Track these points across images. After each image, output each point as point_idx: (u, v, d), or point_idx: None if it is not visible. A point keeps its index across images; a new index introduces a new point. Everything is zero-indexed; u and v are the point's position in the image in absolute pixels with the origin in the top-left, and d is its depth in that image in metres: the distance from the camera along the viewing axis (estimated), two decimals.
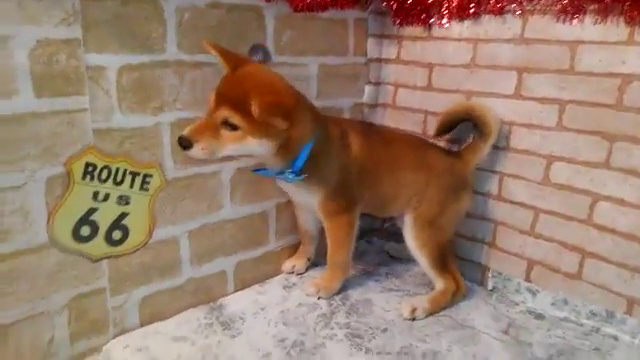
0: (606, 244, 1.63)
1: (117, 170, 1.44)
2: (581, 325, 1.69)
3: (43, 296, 1.37)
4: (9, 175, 1.24)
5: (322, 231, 1.89)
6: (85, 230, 1.41)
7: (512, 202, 1.85)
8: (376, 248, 2.24)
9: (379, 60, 2.08)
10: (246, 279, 1.87)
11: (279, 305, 1.75)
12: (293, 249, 2.02)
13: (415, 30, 1.98)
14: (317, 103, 1.90)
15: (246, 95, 1.36)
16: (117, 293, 1.52)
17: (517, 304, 1.83)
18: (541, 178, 1.75)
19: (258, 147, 1.46)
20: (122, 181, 1.46)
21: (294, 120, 1.45)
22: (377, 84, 2.11)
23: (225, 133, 1.41)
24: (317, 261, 2.00)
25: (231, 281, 1.83)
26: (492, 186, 1.89)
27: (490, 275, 1.95)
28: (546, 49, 1.66)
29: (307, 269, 1.99)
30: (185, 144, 1.39)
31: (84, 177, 1.38)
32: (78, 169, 1.36)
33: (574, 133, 1.65)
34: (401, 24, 2.00)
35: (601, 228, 1.63)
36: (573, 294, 1.72)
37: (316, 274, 1.93)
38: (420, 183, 1.76)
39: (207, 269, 1.74)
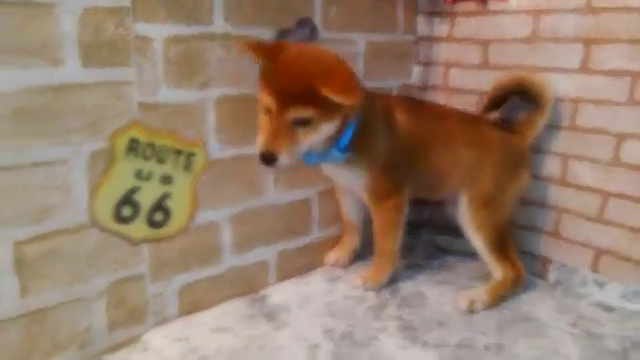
0: None
1: (161, 147, 1.47)
2: None
3: (82, 280, 1.40)
4: (55, 148, 1.28)
5: (367, 221, 1.90)
6: (127, 210, 1.44)
7: (577, 186, 1.82)
8: (425, 242, 2.22)
9: (429, 39, 2.09)
10: (288, 270, 1.88)
11: (324, 297, 1.75)
12: (336, 240, 2.02)
13: (469, 5, 1.98)
14: (365, 81, 1.93)
15: (310, 84, 1.34)
16: (157, 280, 1.55)
17: (583, 297, 1.80)
18: (610, 158, 1.72)
19: (331, 130, 1.45)
20: (165, 159, 1.49)
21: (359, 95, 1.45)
22: (427, 64, 2.11)
23: (299, 131, 1.40)
24: (362, 253, 2.00)
25: (273, 272, 1.84)
26: (554, 169, 1.87)
27: (552, 267, 1.92)
28: (615, 18, 1.64)
29: (351, 262, 2.00)
30: (270, 159, 1.38)
31: (128, 153, 1.41)
32: (122, 144, 1.40)
33: None
34: (454, 0, 2.00)
35: None
36: None
37: (361, 267, 1.93)
38: (475, 160, 1.75)
39: (248, 258, 1.76)
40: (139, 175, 1.45)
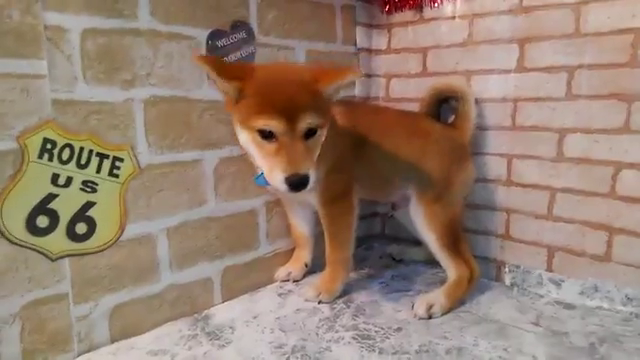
0: (636, 217, 1.45)
1: (81, 150, 1.23)
2: (618, 312, 1.48)
3: None
4: None
5: (318, 234, 1.69)
6: (42, 220, 1.18)
7: (524, 185, 1.67)
8: (377, 253, 2.01)
9: (369, 51, 1.96)
10: (235, 288, 1.62)
11: (274, 312, 1.50)
12: (287, 255, 1.79)
13: (405, 15, 1.87)
14: None
15: (308, 89, 1.21)
16: (82, 300, 1.27)
17: (541, 297, 1.61)
18: (554, 154, 1.59)
19: (323, 138, 1.29)
20: (87, 164, 1.25)
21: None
22: (368, 76, 1.97)
23: (311, 143, 1.24)
24: (314, 268, 1.77)
25: (218, 290, 1.58)
26: (500, 171, 1.72)
27: (507, 270, 1.74)
28: (548, 15, 1.55)
29: (304, 276, 1.76)
30: (302, 181, 1.18)
31: (41, 155, 1.17)
32: (34, 145, 1.15)
33: (586, 100, 1.51)
34: (390, 12, 1.89)
35: (628, 199, 1.46)
36: (603, 279, 1.52)
37: (314, 280, 1.69)
38: (417, 152, 1.59)
39: (190, 275, 1.50)
40: (56, 181, 1.20)
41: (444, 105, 1.77)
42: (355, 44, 1.91)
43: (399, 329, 1.39)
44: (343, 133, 1.51)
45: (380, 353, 1.27)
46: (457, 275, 1.53)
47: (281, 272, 1.73)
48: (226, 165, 1.55)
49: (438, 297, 1.49)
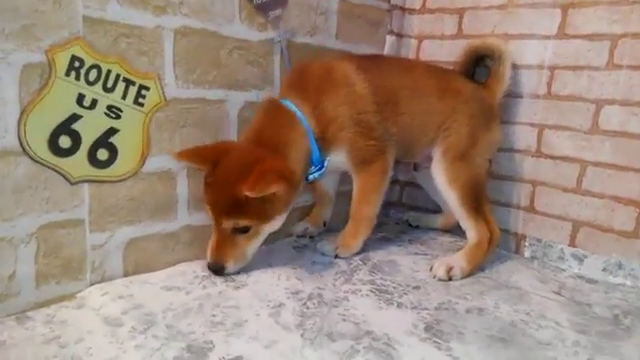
0: None
1: (108, 73, 1.20)
2: None
3: (6, 217, 1.09)
4: None
5: (340, 193, 1.66)
6: (65, 141, 1.16)
7: (554, 157, 1.64)
8: (394, 219, 1.99)
9: (402, 9, 1.91)
10: None
11: (290, 263, 1.48)
12: (305, 211, 1.77)
13: None
14: (336, 44, 1.73)
15: (235, 193, 1.25)
16: (98, 229, 1.25)
17: (562, 270, 1.59)
18: (589, 126, 1.56)
19: (278, 224, 1.38)
20: (113, 88, 1.22)
21: (288, 167, 1.31)
22: (399, 36, 1.93)
23: (241, 238, 1.33)
24: (331, 228, 1.75)
25: None
26: (529, 141, 1.69)
27: (527, 243, 1.71)
28: None
29: (319, 234, 1.74)
30: (218, 270, 1.34)
31: (68, 73, 1.14)
32: (62, 61, 1.12)
33: (628, 70, 1.47)
34: None
35: None
36: (629, 256, 1.50)
37: (332, 237, 1.67)
38: (447, 110, 1.56)
39: (206, 218, 1.47)
40: (81, 101, 1.17)
41: (479, 67, 1.73)
42: (389, 1, 1.86)
43: (417, 287, 1.37)
44: (367, 95, 1.47)
45: (398, 307, 1.25)
46: (477, 236, 1.50)
47: (299, 227, 1.71)
48: (251, 109, 1.51)
49: (458, 260, 1.46)
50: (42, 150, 1.13)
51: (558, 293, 1.40)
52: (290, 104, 1.41)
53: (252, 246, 1.36)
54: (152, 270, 1.37)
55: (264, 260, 1.49)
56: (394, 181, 2.09)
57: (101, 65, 1.18)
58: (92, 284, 1.26)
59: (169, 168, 1.36)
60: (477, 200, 1.53)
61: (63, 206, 1.18)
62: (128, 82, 1.24)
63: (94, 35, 1.16)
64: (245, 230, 1.31)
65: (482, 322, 1.20)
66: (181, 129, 1.37)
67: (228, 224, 1.29)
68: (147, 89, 1.28)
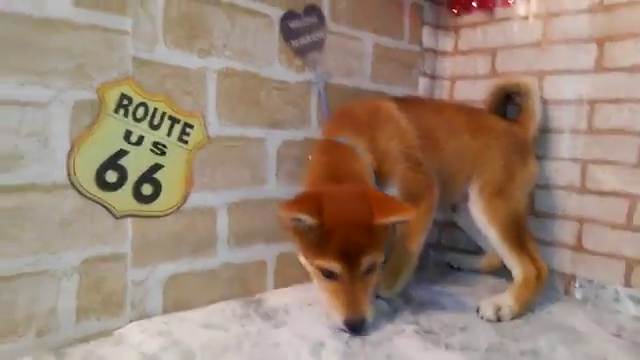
0: None
1: (155, 111, 1.23)
2: None
3: (52, 249, 1.10)
4: (33, 88, 1.04)
5: None
6: (112, 176, 1.17)
7: (600, 193, 1.56)
8: (434, 261, 1.91)
9: (434, 52, 1.93)
10: (287, 276, 1.55)
11: None
12: None
13: (475, 16, 1.84)
14: (371, 85, 1.74)
15: (367, 224, 1.17)
16: (140, 264, 1.24)
17: (619, 313, 1.47)
18: (635, 159, 1.49)
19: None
20: (159, 125, 1.24)
21: None
22: (433, 77, 1.94)
23: (370, 278, 1.23)
24: None
25: (271, 275, 1.52)
26: (573, 177, 1.62)
27: (578, 284, 1.60)
28: (631, 12, 1.48)
29: None
30: (361, 326, 1.19)
31: (117, 110, 1.17)
32: (112, 99, 1.16)
33: None
34: (459, 13, 1.87)
35: None
36: None
37: None
38: (481, 146, 1.54)
39: (245, 255, 1.45)
40: (128, 137, 1.19)
41: (510, 105, 1.71)
42: (421, 44, 1.89)
43: (464, 328, 1.28)
44: (411, 132, 1.46)
45: (447, 348, 1.16)
46: (524, 274, 1.42)
47: None
48: (289, 147, 1.52)
49: (506, 299, 1.37)
50: (89, 184, 1.14)
51: (618, 335, 1.28)
52: (347, 141, 1.38)
53: (371, 287, 1.25)
54: (191, 307, 1.33)
55: (303, 298, 1.44)
56: (433, 222, 2.03)
57: (148, 103, 1.22)
58: (131, 321, 1.23)
59: (210, 205, 1.36)
60: (519, 236, 1.46)
61: (107, 240, 1.18)
62: (173, 120, 1.26)
63: (142, 75, 1.20)
64: (373, 268, 1.22)
65: None
66: (222, 166, 1.37)
67: (365, 262, 1.18)
68: (191, 127, 1.30)
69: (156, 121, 1.24)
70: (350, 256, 1.16)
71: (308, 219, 1.14)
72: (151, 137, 1.23)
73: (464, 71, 1.90)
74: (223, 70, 1.34)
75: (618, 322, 1.38)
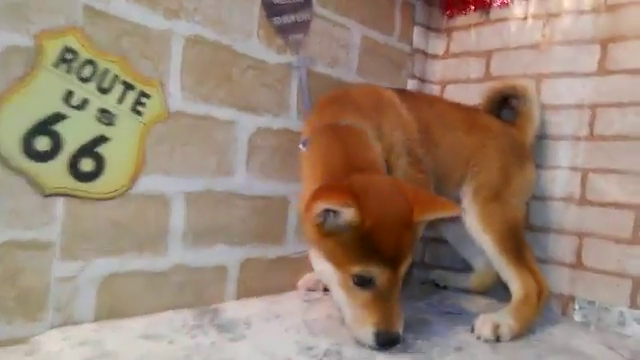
0: None
1: (106, 72, 1.03)
2: None
3: None
4: None
5: None
6: (42, 142, 0.95)
7: (602, 204, 1.42)
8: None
9: (424, 54, 1.80)
10: (252, 286, 1.33)
11: (301, 315, 1.20)
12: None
13: (469, 17, 1.73)
14: (357, 79, 1.59)
15: (407, 222, 1.01)
16: (69, 257, 1.00)
17: (627, 337, 1.30)
18: None
19: None
20: (110, 89, 1.04)
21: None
22: (422, 80, 1.80)
23: (400, 284, 1.06)
24: None
25: (233, 283, 1.29)
26: (572, 187, 1.48)
27: (577, 306, 1.44)
28: (636, 13, 1.39)
29: None
30: (395, 341, 1.00)
31: (58, 64, 0.96)
32: (53, 50, 0.95)
33: None
34: (452, 14, 1.76)
35: None
36: None
37: None
38: (476, 145, 1.39)
39: (203, 257, 1.23)
40: (69, 99, 0.98)
41: (505, 110, 1.58)
42: (411, 44, 1.76)
43: (459, 348, 1.09)
44: (410, 124, 1.30)
45: None
46: (524, 289, 1.24)
47: (308, 279, 1.44)
48: (263, 136, 1.33)
49: (505, 317, 1.19)
50: (13, 149, 0.92)
51: None
52: (356, 125, 1.17)
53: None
54: (131, 315, 1.09)
55: (269, 310, 1.22)
56: None
57: (97, 62, 1.02)
58: (53, 327, 0.98)
59: (164, 191, 1.14)
60: (518, 246, 1.30)
61: (30, 222, 0.95)
62: (127, 86, 1.06)
63: (94, 28, 1.01)
64: (406, 273, 1.05)
65: None
66: (182, 147, 1.17)
67: (405, 267, 1.02)
68: (148, 96, 1.10)
69: (106, 84, 1.03)
70: (393, 260, 0.99)
71: (349, 213, 0.94)
72: (97, 102, 1.02)
73: (455, 75, 1.77)
74: (191, 37, 1.16)
75: (629, 346, 1.21)
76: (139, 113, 1.09)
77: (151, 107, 1.10)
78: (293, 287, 1.43)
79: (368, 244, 0.96)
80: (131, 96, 1.07)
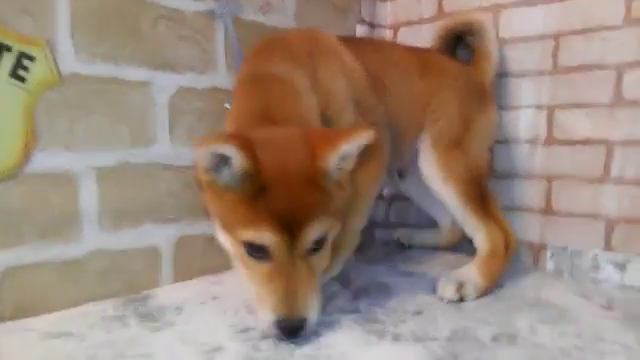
0: None
1: None
2: None
3: None
4: None
5: None
6: None
7: (570, 142, 1.30)
8: (381, 241, 1.61)
9: None
10: (191, 267, 1.19)
11: (241, 294, 1.08)
12: None
13: None
14: (296, 26, 1.42)
15: (310, 174, 0.82)
16: None
17: (603, 282, 1.21)
18: (610, 98, 1.24)
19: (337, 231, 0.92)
20: None
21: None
22: (371, 25, 1.64)
23: (317, 259, 0.86)
24: None
25: (168, 265, 1.15)
26: (537, 127, 1.36)
27: (549, 254, 1.34)
28: None
29: None
30: (299, 327, 0.81)
31: None
32: None
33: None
34: None
35: None
36: None
37: None
38: (433, 89, 1.25)
39: (127, 239, 1.08)
40: None
41: (461, 49, 1.44)
42: None
43: (419, 312, 0.97)
44: (354, 69, 1.14)
45: (395, 340, 0.85)
46: (490, 242, 1.13)
47: None
48: (187, 97, 1.17)
49: (470, 274, 1.08)
50: None
51: (609, 308, 1.01)
52: (284, 73, 1.00)
53: (320, 273, 0.89)
54: (42, 312, 0.95)
55: (208, 292, 1.09)
56: (378, 196, 1.73)
57: None
58: None
59: (68, 168, 0.98)
60: (482, 196, 1.18)
61: None
62: (1, 47, 0.89)
63: None
64: (323, 242, 0.86)
65: (519, 353, 0.80)
66: (87, 117, 1.00)
67: (312, 233, 0.82)
68: (31, 59, 0.92)
69: None
70: (291, 225, 0.80)
71: (239, 158, 0.77)
72: None
73: (407, 16, 1.61)
74: None
75: (607, 293, 1.11)
76: (21, 79, 0.91)
77: (36, 71, 0.93)
78: None
79: (260, 204, 0.79)
80: (8, 59, 0.89)
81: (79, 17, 0.98)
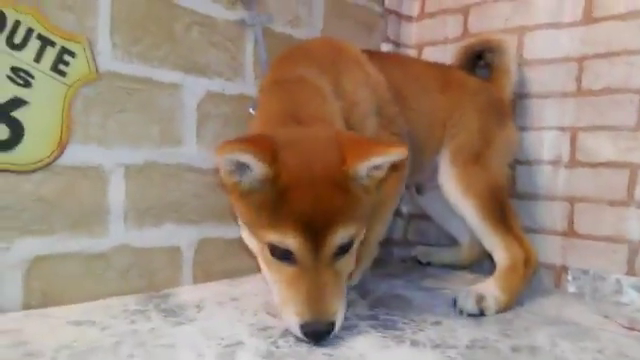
0: None
1: (17, 24, 0.91)
2: None
3: None
4: None
5: None
6: None
7: (594, 165, 1.32)
8: (399, 258, 1.61)
9: (398, 15, 1.68)
10: (211, 269, 1.22)
11: (260, 297, 1.09)
12: None
13: None
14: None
15: (337, 180, 0.82)
16: None
17: (624, 305, 1.20)
18: (634, 122, 1.25)
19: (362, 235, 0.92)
20: (23, 45, 0.92)
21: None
22: (397, 44, 1.69)
23: (343, 263, 0.86)
24: None
25: (188, 265, 1.18)
26: (560, 148, 1.37)
27: (570, 277, 1.34)
28: None
29: None
30: (326, 332, 0.82)
31: None
32: None
33: None
34: None
35: None
36: None
37: None
38: (453, 104, 1.29)
39: (151, 237, 1.11)
40: None
41: (479, 67, 1.48)
42: (382, 4, 1.64)
43: (437, 323, 0.98)
44: (377, 80, 1.17)
45: (413, 345, 0.85)
46: (509, 257, 1.14)
47: None
48: (215, 102, 1.21)
49: (490, 288, 1.08)
50: None
51: (631, 328, 1.00)
52: (311, 77, 1.03)
53: (345, 278, 0.88)
54: (65, 302, 0.98)
55: (227, 293, 1.11)
56: (395, 213, 1.74)
57: (7, 13, 0.89)
58: None
59: (99, 163, 1.03)
60: (502, 211, 1.19)
61: None
62: (45, 41, 0.94)
63: None
64: (349, 247, 0.86)
65: None
66: (119, 114, 1.05)
67: (338, 238, 0.82)
68: (72, 54, 0.98)
69: (18, 39, 0.91)
70: (315, 228, 0.80)
71: (256, 165, 0.78)
72: (9, 59, 0.90)
73: (432, 36, 1.66)
74: None
75: (627, 315, 1.10)
76: (62, 73, 0.97)
77: (76, 66, 0.98)
78: (257, 269, 1.32)
79: (285, 207, 0.79)
80: (51, 53, 0.95)
81: (118, 17, 1.04)
